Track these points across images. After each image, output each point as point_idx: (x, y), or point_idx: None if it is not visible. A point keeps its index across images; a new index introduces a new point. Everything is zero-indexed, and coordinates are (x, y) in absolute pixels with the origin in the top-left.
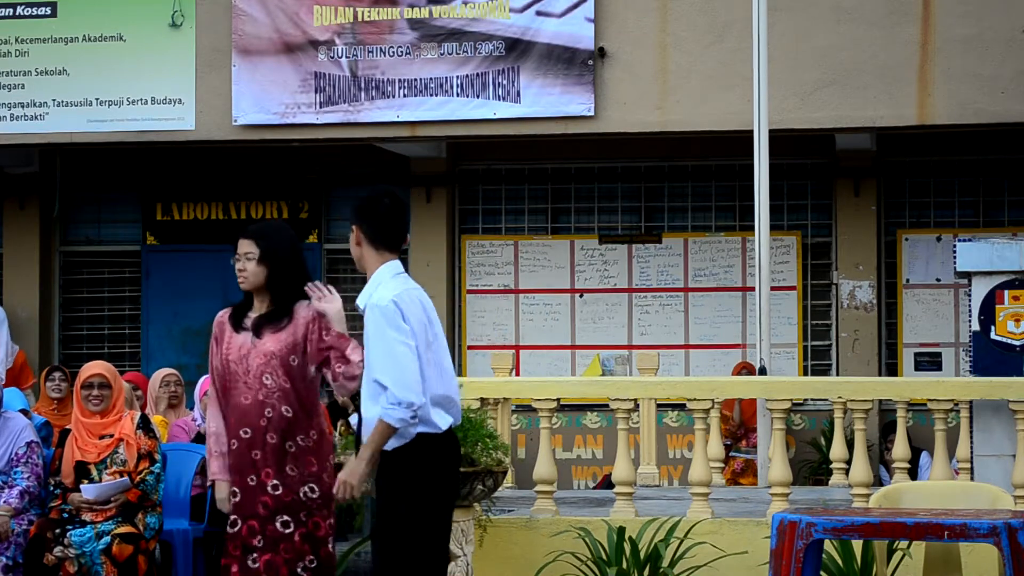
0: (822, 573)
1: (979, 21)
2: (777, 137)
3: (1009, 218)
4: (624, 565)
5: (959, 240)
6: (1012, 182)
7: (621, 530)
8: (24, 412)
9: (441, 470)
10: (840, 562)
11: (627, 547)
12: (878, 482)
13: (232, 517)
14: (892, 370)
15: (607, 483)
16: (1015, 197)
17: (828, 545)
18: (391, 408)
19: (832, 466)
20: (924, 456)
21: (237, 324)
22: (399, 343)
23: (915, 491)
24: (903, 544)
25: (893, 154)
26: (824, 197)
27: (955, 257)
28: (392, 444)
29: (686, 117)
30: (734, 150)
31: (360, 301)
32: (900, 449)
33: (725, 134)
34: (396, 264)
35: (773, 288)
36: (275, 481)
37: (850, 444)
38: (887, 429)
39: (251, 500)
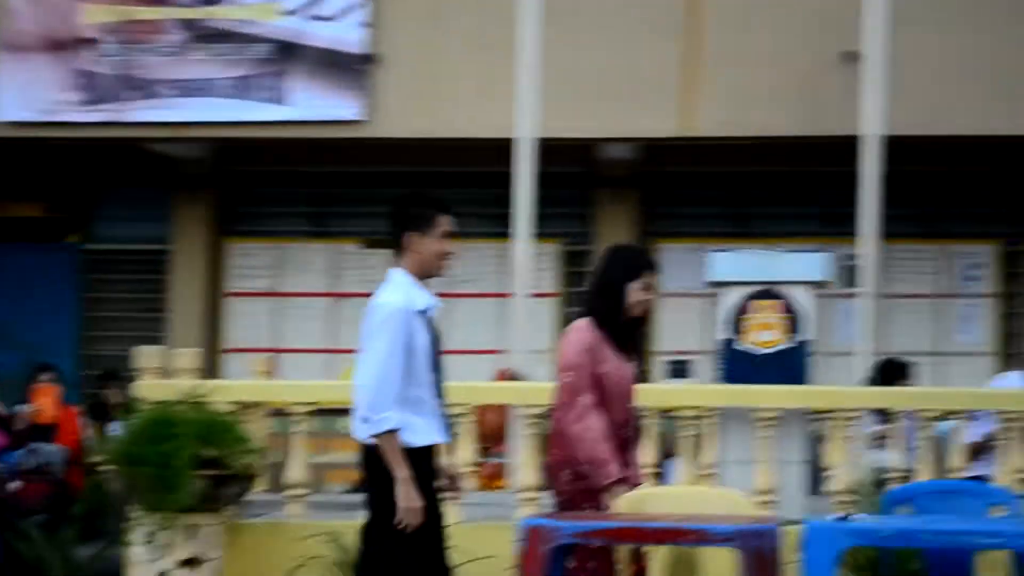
0: None
1: (740, 38)
2: (542, 146)
3: (761, 229)
4: None
5: (711, 250)
6: (765, 194)
7: None
8: None
9: None
10: None
11: None
12: None
13: None
14: (643, 378)
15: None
16: (768, 208)
17: None
18: None
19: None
20: (671, 462)
21: (617, 343)
22: None
23: (661, 496)
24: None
25: (653, 164)
26: (585, 205)
27: (708, 267)
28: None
29: (455, 124)
30: (501, 158)
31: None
32: (648, 455)
33: (492, 142)
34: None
35: (532, 295)
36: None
37: None
38: None
39: None
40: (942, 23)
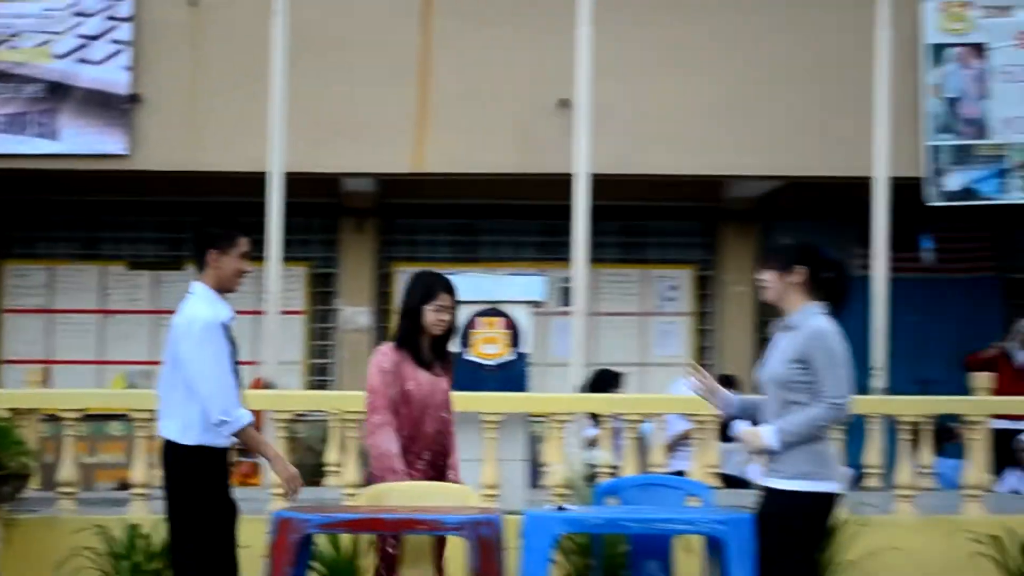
0: (316, 564)
1: (468, 84)
2: (291, 178)
3: (487, 255)
4: (138, 559)
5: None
6: (490, 223)
7: (136, 527)
8: None
9: None
10: (331, 554)
11: (141, 542)
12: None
13: None
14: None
15: (126, 485)
16: (493, 236)
17: (321, 539)
18: None
19: (327, 469)
20: None
21: (420, 361)
22: None
23: (399, 490)
24: None
25: (392, 196)
26: (331, 232)
27: None
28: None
29: (212, 158)
30: (256, 189)
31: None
32: None
33: (246, 174)
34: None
35: (283, 312)
36: None
37: (347, 450)
38: None
39: None
40: (638, 75)
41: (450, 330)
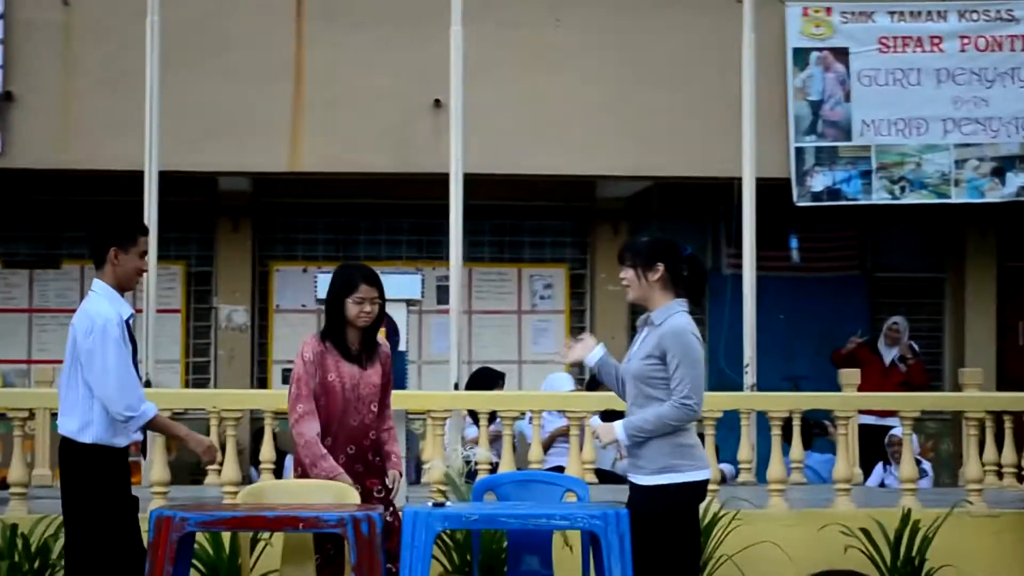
0: (196, 563)
1: (344, 85)
2: (167, 177)
3: (363, 253)
4: (16, 559)
5: (320, 272)
6: (366, 222)
7: (14, 527)
8: None
9: None
10: (211, 552)
11: (19, 542)
12: (250, 481)
13: None
14: (263, 383)
15: (4, 484)
16: (369, 235)
17: (201, 537)
18: None
19: (207, 468)
20: (288, 458)
21: (344, 353)
22: None
23: (279, 488)
24: (267, 535)
25: (268, 195)
26: (208, 231)
27: (316, 286)
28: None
29: (86, 157)
30: (132, 188)
31: None
32: (267, 451)
33: (122, 173)
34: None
35: (160, 311)
36: (380, 486)
37: (225, 448)
38: (258, 435)
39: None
40: (511, 76)
41: (378, 322)
